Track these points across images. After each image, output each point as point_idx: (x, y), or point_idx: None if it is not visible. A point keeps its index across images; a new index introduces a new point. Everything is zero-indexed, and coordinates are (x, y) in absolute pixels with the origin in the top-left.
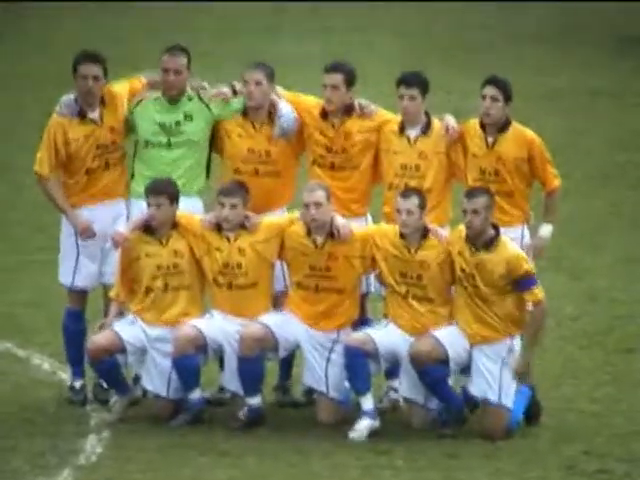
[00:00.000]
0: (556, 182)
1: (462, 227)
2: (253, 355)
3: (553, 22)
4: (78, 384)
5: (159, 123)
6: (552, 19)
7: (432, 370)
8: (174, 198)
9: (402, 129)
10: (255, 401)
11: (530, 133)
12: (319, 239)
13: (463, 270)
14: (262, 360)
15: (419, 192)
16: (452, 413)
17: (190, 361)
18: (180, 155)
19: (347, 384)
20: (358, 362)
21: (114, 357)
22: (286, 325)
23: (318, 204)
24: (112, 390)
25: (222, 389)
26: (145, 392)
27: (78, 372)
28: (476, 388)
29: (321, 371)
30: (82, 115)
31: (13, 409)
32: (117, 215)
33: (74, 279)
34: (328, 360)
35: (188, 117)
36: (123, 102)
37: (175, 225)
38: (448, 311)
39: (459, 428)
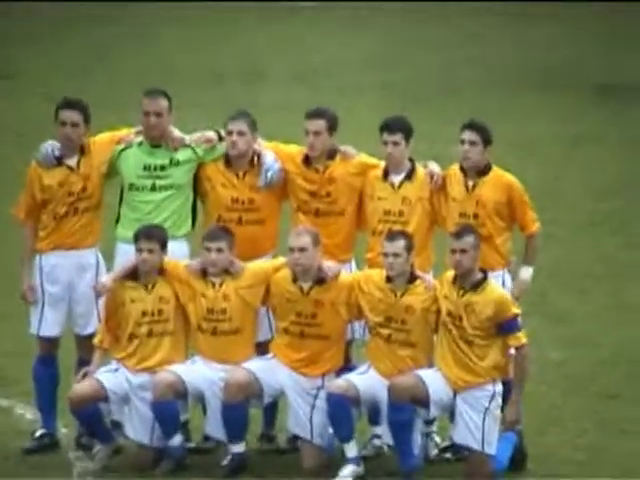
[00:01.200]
0: (535, 226)
1: (449, 273)
2: (237, 402)
3: (532, 69)
4: (38, 433)
5: (143, 166)
6: (531, 66)
7: (406, 409)
8: (164, 244)
9: (386, 175)
10: (239, 448)
11: (510, 177)
12: (305, 285)
13: (450, 313)
14: (246, 407)
15: (406, 234)
16: (403, 469)
17: (169, 407)
18: (165, 198)
19: (331, 431)
20: (341, 410)
21: (96, 405)
22: (271, 371)
23: (303, 249)
24: (95, 438)
25: (206, 437)
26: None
27: (46, 420)
28: (459, 436)
29: (305, 418)
30: (59, 161)
31: None
32: (84, 265)
33: (40, 327)
34: (312, 407)
35: (174, 161)
36: (105, 151)
37: (161, 271)
38: (428, 359)
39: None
